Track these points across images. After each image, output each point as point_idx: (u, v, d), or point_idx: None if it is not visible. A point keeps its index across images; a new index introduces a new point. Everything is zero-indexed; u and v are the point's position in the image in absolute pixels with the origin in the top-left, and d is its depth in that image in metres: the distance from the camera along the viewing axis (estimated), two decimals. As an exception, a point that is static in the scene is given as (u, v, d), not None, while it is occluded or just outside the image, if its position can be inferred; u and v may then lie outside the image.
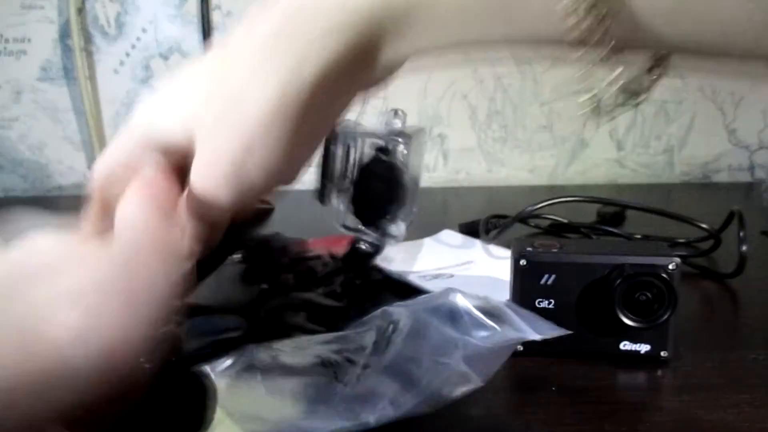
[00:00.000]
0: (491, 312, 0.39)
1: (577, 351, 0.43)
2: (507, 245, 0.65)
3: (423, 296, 0.41)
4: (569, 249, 0.43)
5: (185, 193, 0.30)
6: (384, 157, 0.42)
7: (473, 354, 0.35)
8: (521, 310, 0.40)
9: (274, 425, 0.33)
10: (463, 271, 0.59)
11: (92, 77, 0.94)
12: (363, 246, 0.47)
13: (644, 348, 0.42)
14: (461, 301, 0.39)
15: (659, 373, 0.42)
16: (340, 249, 0.63)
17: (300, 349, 0.39)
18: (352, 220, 0.46)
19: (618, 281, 0.40)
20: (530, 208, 0.64)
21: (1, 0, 0.91)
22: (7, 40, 0.92)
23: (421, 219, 0.44)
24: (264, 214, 0.71)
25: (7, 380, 0.23)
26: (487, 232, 0.66)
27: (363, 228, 0.45)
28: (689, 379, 0.41)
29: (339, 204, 0.46)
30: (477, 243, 0.65)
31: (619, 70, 0.29)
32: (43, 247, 0.27)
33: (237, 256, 0.49)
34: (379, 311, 0.41)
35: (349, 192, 0.44)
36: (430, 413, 0.33)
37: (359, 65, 0.28)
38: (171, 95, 0.30)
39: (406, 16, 0.27)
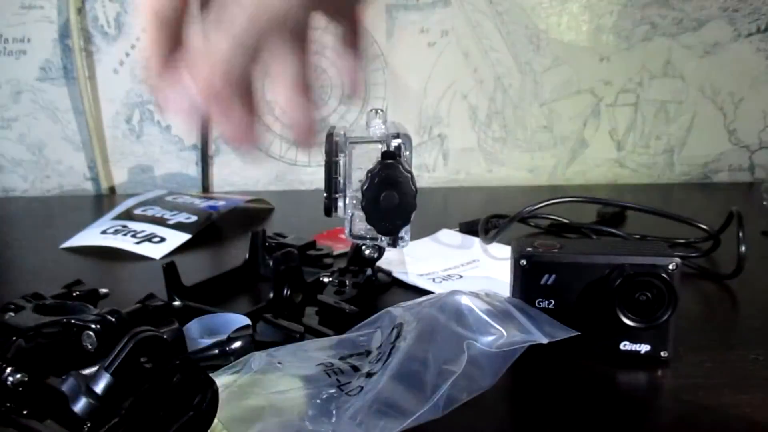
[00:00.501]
0: (498, 314, 0.39)
1: (577, 351, 0.43)
2: (508, 244, 0.65)
3: (428, 297, 0.41)
4: (569, 249, 0.43)
5: None
6: (392, 162, 0.42)
7: (480, 357, 0.35)
8: (530, 309, 0.40)
9: None
10: (470, 271, 0.59)
11: (92, 77, 0.94)
12: (367, 250, 0.47)
13: (644, 348, 0.42)
14: (466, 302, 0.39)
15: (659, 373, 0.42)
16: (343, 244, 0.64)
17: (303, 353, 0.39)
18: (358, 228, 0.46)
19: (618, 281, 0.40)
20: (530, 208, 0.64)
21: (1, 0, 0.91)
22: (6, 40, 0.92)
23: (422, 219, 0.44)
24: (264, 213, 0.71)
25: None
26: (487, 231, 0.66)
27: (373, 235, 0.45)
28: (689, 379, 0.41)
29: (346, 213, 0.46)
30: (476, 242, 0.65)
31: None
32: None
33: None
34: (383, 312, 0.41)
35: (358, 200, 0.44)
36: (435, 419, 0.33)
37: None
38: None
39: None
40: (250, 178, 0.98)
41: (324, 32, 0.38)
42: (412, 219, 0.43)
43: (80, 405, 0.30)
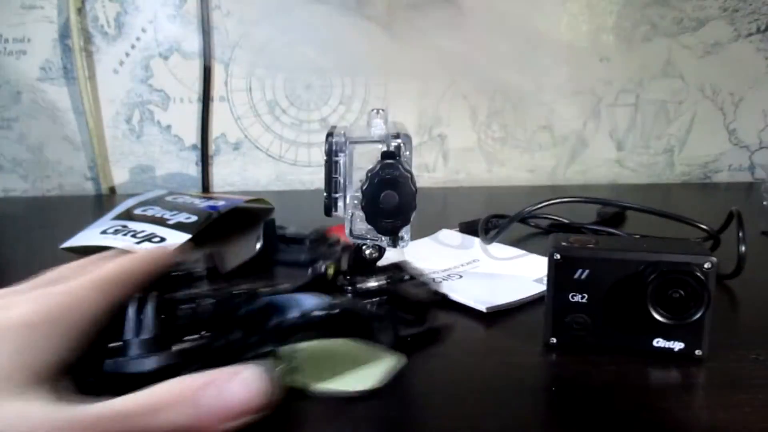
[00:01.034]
0: None
1: (609, 347, 0.43)
2: (509, 244, 0.65)
3: None
4: (604, 245, 0.44)
5: None
6: (392, 162, 0.42)
7: None
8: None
9: None
10: (471, 271, 0.59)
11: (92, 77, 0.94)
12: (368, 250, 0.47)
13: (678, 346, 0.42)
14: None
15: (658, 374, 0.42)
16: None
17: None
18: (359, 228, 0.46)
19: (652, 277, 0.41)
20: (530, 208, 0.65)
21: (1, 0, 0.91)
22: (7, 40, 0.92)
23: (422, 219, 0.44)
24: (264, 213, 0.71)
25: None
26: (487, 231, 0.66)
27: (373, 235, 0.45)
28: (689, 380, 0.41)
29: (346, 212, 0.46)
30: (476, 242, 0.65)
31: None
32: None
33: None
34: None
35: (358, 200, 0.44)
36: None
37: None
38: None
39: None
40: (250, 178, 0.98)
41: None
42: (412, 219, 0.44)
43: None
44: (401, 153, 0.44)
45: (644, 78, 0.98)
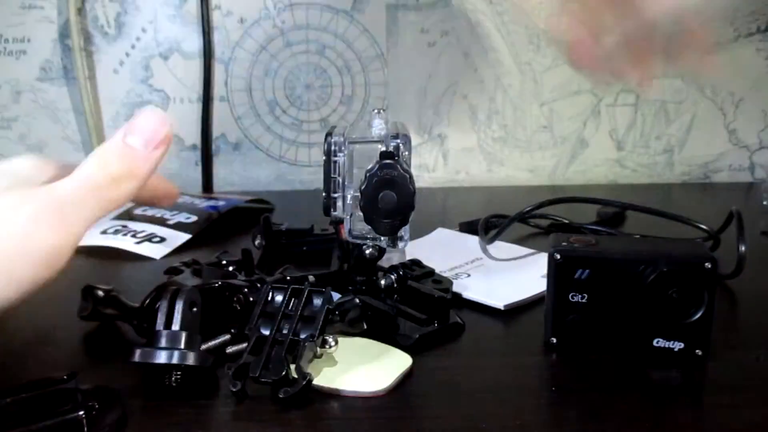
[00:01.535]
0: None
1: (609, 347, 0.43)
2: (512, 242, 0.65)
3: None
4: (604, 245, 0.44)
5: None
6: (391, 162, 0.42)
7: None
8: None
9: None
10: (477, 270, 0.59)
11: (92, 77, 0.94)
12: (368, 250, 0.47)
13: (678, 345, 0.43)
14: None
15: (658, 374, 0.42)
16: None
17: None
18: (359, 228, 0.46)
19: (651, 277, 0.41)
20: (529, 208, 0.65)
21: (0, 0, 0.91)
22: (6, 40, 0.92)
23: (422, 219, 0.44)
24: (264, 213, 0.72)
25: None
26: (487, 231, 0.66)
27: (373, 235, 0.45)
28: (689, 380, 0.41)
29: (345, 213, 0.46)
30: (476, 240, 0.65)
31: None
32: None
33: None
34: None
35: (357, 200, 0.44)
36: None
37: None
38: None
39: None
40: (250, 178, 0.98)
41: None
42: (411, 219, 0.43)
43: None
44: (400, 153, 0.44)
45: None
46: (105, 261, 0.65)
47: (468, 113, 0.98)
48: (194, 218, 0.74)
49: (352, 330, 0.45)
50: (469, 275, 0.57)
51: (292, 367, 0.38)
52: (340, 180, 0.46)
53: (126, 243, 0.68)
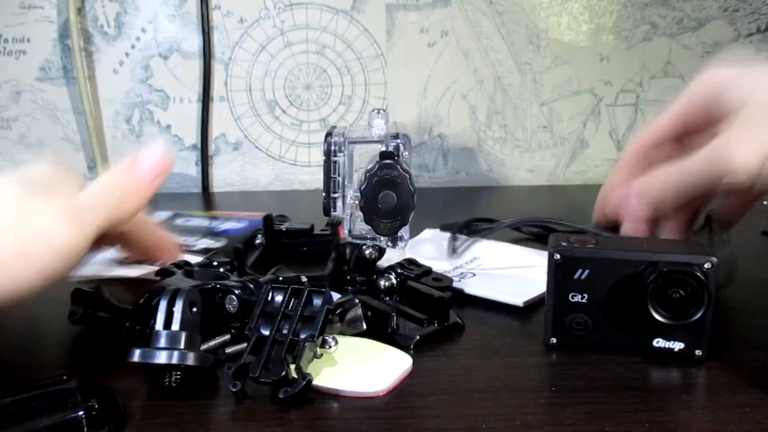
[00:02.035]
0: None
1: (609, 347, 0.43)
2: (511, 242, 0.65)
3: None
4: (604, 245, 0.44)
5: None
6: (390, 162, 0.42)
7: None
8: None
9: None
10: (479, 268, 0.58)
11: (92, 77, 0.94)
12: (367, 250, 0.47)
13: (678, 346, 0.42)
14: None
15: (658, 374, 0.42)
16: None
17: None
18: (359, 228, 0.46)
19: (651, 277, 0.41)
20: (507, 222, 0.63)
21: (0, 0, 0.91)
22: (6, 40, 0.92)
23: (422, 219, 0.44)
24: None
25: None
26: (469, 235, 0.65)
27: (373, 235, 0.45)
28: (688, 380, 0.41)
29: (345, 213, 0.46)
30: (466, 239, 0.64)
31: None
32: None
33: None
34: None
35: (357, 200, 0.44)
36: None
37: None
38: None
39: None
40: (250, 178, 0.98)
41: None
42: (410, 219, 0.43)
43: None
44: (400, 153, 0.44)
45: (644, 78, 0.98)
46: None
47: (468, 113, 0.98)
48: (218, 244, 0.69)
49: (352, 330, 0.45)
50: (474, 275, 0.57)
51: (292, 367, 0.38)
52: (340, 180, 0.46)
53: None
